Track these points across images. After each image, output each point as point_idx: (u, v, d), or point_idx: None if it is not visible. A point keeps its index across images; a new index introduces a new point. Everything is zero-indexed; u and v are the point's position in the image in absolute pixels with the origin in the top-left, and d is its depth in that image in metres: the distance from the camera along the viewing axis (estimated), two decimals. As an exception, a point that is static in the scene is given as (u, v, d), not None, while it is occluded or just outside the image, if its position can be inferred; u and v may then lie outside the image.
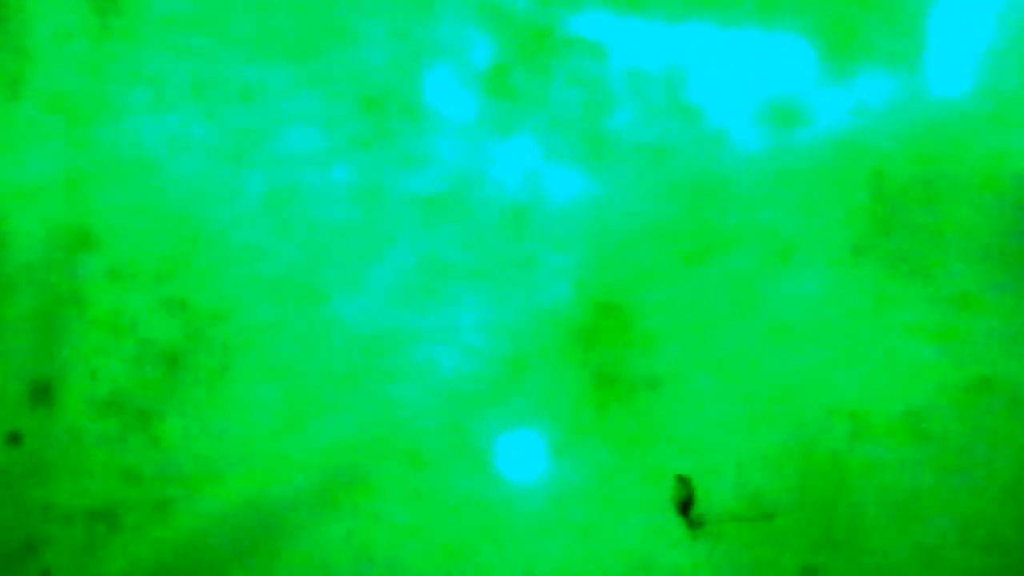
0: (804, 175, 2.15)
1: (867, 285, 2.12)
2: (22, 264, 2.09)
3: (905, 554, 2.06)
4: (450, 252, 2.14)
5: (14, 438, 2.03)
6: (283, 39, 2.19)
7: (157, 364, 2.08)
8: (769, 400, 2.09)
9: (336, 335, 2.10)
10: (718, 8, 2.20)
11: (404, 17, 2.19)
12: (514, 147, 2.17)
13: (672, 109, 2.17)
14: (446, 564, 2.04)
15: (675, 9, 2.20)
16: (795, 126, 2.17)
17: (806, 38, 2.19)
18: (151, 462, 2.05)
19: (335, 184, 2.15)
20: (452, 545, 2.04)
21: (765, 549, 2.05)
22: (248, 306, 2.11)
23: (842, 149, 2.16)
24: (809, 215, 2.14)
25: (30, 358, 2.07)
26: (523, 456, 2.08)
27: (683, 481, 2.02)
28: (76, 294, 2.09)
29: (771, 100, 2.18)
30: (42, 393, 2.06)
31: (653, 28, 2.20)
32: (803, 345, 2.11)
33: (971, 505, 2.07)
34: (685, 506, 2.01)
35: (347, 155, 2.16)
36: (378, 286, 2.12)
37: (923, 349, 2.11)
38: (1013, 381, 2.09)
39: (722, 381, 2.09)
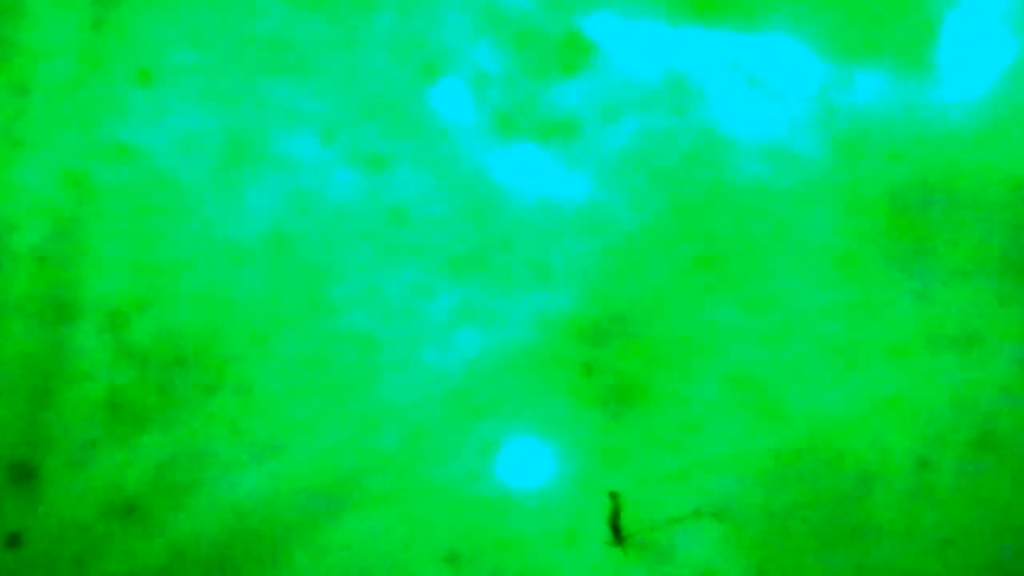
0: (812, 184, 2.14)
1: (873, 299, 2.11)
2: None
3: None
4: (453, 259, 2.12)
5: (13, 541, 2.00)
6: (286, 43, 2.18)
7: (151, 370, 2.07)
8: (771, 417, 2.07)
9: (336, 341, 2.09)
10: (727, 14, 2.19)
11: (410, 22, 2.19)
12: (520, 153, 2.16)
13: (679, 115, 2.17)
14: (444, 571, 2.02)
15: (683, 15, 2.19)
16: (803, 134, 2.16)
17: (815, 45, 2.19)
18: (146, 467, 2.04)
19: (338, 190, 2.14)
20: (450, 552, 2.02)
21: None
22: (245, 312, 2.09)
23: (854, 156, 2.15)
24: (817, 225, 2.13)
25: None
26: (524, 463, 2.07)
27: (612, 496, 2.01)
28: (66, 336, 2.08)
29: (779, 107, 2.17)
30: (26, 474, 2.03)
31: (661, 34, 2.19)
32: (807, 361, 2.09)
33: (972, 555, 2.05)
34: (613, 521, 2.00)
35: (350, 160, 2.15)
36: (380, 292, 2.11)
37: (929, 393, 2.08)
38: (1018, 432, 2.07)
39: (725, 392, 2.08)
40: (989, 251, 2.12)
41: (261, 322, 2.09)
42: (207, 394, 2.06)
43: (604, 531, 2.02)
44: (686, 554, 2.01)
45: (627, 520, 2.02)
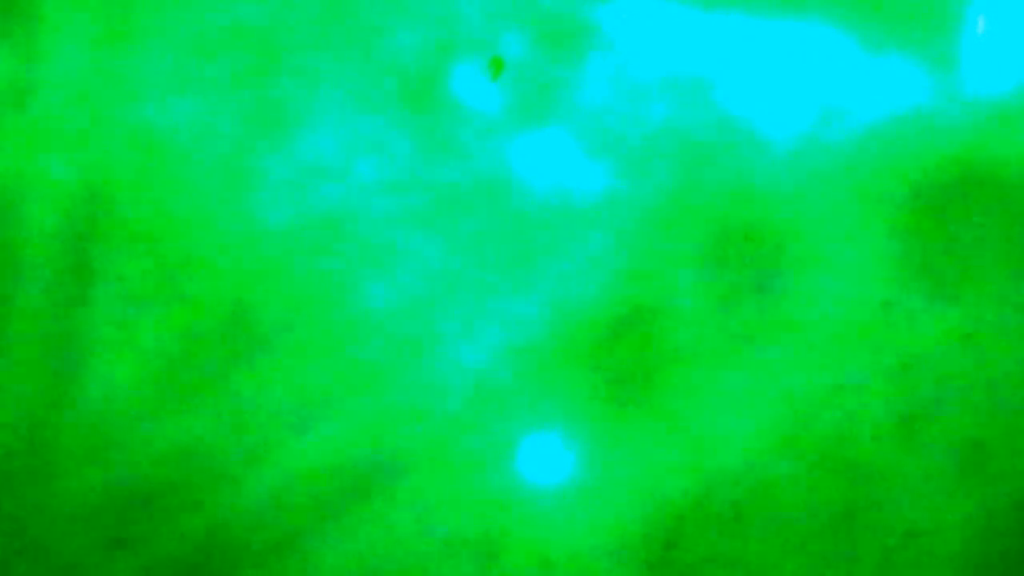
0: (837, 175, 2.12)
1: (897, 293, 2.09)
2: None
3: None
4: (475, 247, 2.12)
5: None
6: (308, 28, 2.17)
7: (172, 356, 2.08)
8: (789, 407, 2.06)
9: (357, 331, 2.09)
10: (751, 2, 2.17)
11: (432, 8, 2.18)
12: (542, 141, 2.15)
13: (702, 104, 2.15)
14: (468, 564, 2.02)
15: (706, 2, 2.17)
16: (829, 124, 2.13)
17: (842, 33, 2.16)
18: (162, 456, 2.05)
19: (359, 177, 2.13)
20: (474, 544, 2.03)
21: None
22: (267, 301, 2.10)
23: (878, 149, 2.12)
24: (841, 216, 2.11)
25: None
26: (545, 455, 2.06)
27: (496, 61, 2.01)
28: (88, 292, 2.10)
29: (805, 96, 2.15)
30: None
31: (684, 21, 2.17)
32: (829, 357, 2.07)
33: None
34: (492, 69, 2.01)
35: (372, 147, 2.14)
36: (400, 281, 2.10)
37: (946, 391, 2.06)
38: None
39: (745, 385, 2.06)
40: (1020, 244, 2.10)
41: (274, 315, 2.09)
42: (223, 382, 2.07)
43: (623, 526, 2.03)
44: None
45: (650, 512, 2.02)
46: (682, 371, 2.07)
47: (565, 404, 2.07)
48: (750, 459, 2.03)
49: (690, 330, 2.08)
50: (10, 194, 2.11)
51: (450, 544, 2.02)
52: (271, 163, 2.13)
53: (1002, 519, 2.01)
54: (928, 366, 2.06)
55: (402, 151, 2.14)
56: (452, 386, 2.07)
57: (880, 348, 2.06)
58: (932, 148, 2.12)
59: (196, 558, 2.02)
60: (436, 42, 2.17)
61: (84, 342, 2.07)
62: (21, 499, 2.04)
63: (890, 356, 2.06)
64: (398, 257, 2.11)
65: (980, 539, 2.01)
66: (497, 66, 2.01)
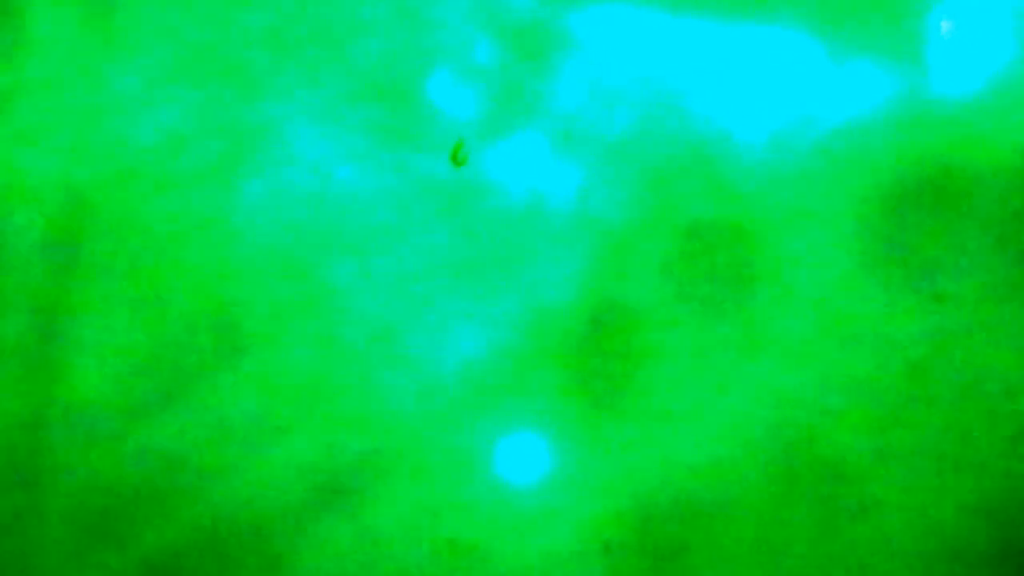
0: (808, 177, 2.14)
1: (869, 294, 2.10)
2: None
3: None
4: (450, 251, 2.14)
5: None
6: (285, 36, 2.20)
7: (154, 360, 2.09)
8: (763, 406, 2.07)
9: (335, 335, 2.10)
10: (723, 7, 2.20)
11: (407, 15, 2.20)
12: (515, 146, 2.17)
13: (674, 109, 2.17)
14: (445, 565, 2.03)
15: (677, 7, 2.20)
16: (799, 127, 2.16)
17: (810, 36, 2.19)
18: (147, 463, 2.06)
19: (336, 182, 2.16)
20: (451, 545, 2.03)
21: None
22: (248, 305, 2.11)
23: (848, 150, 2.15)
24: (813, 217, 2.13)
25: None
26: (520, 456, 2.07)
27: (460, 141, 2.06)
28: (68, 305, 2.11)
29: (775, 100, 2.18)
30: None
31: (656, 27, 2.20)
32: (801, 354, 2.08)
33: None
34: (455, 153, 2.06)
35: (349, 153, 2.17)
36: (377, 285, 2.12)
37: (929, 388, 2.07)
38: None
39: (718, 385, 2.07)
40: (990, 242, 2.11)
41: (254, 318, 2.11)
42: (206, 384, 2.08)
43: (598, 525, 2.04)
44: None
45: (626, 511, 2.04)
46: (657, 371, 2.08)
47: (542, 405, 2.08)
48: (725, 457, 2.04)
49: (664, 330, 2.10)
50: (-6, 199, 2.14)
51: (432, 543, 2.02)
52: (252, 170, 2.16)
53: (979, 518, 2.02)
54: (903, 365, 2.06)
55: (379, 157, 2.17)
56: (431, 388, 2.08)
57: (854, 347, 2.07)
58: (901, 149, 2.14)
59: (180, 557, 2.02)
60: (412, 49, 2.20)
61: (67, 345, 2.08)
62: (7, 500, 2.04)
63: (864, 355, 2.07)
64: (377, 261, 2.13)
65: (956, 538, 2.03)
66: (463, 158, 2.04)
